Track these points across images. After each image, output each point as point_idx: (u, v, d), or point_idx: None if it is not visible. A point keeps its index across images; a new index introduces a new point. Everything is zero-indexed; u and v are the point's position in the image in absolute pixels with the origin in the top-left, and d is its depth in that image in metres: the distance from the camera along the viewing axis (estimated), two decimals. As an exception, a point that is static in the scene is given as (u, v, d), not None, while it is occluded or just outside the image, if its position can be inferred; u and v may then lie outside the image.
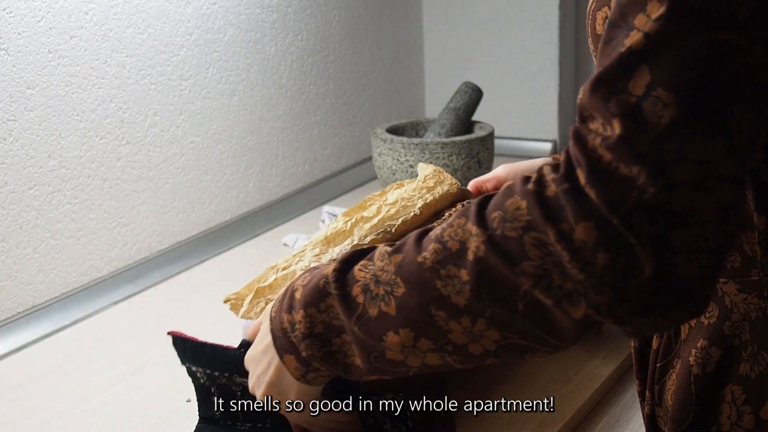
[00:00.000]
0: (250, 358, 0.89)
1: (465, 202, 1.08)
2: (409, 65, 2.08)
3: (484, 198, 0.70)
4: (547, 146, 2.04)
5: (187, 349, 0.97)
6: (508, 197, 0.68)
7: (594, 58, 0.91)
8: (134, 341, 1.29)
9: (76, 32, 1.35)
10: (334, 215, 1.59)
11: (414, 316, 0.72)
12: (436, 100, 2.13)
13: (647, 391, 0.96)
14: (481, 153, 1.64)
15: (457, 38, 2.09)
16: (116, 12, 1.41)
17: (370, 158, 1.92)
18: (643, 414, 0.99)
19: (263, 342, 0.86)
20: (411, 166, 1.60)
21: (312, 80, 1.80)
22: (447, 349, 0.73)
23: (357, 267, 0.77)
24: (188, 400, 1.13)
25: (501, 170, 1.17)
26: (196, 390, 0.97)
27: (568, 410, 1.05)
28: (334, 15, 1.84)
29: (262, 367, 0.87)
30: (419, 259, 0.71)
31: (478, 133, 1.68)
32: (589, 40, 0.91)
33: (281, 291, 0.86)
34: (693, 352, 0.87)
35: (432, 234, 0.72)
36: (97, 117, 1.40)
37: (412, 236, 0.74)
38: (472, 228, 0.69)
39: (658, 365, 0.93)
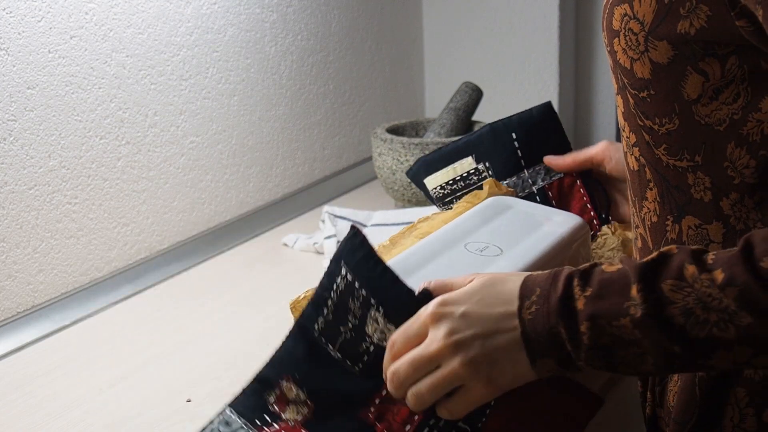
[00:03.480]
0: (463, 316, 0.82)
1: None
2: (409, 65, 2.08)
3: None
4: (547, 146, 2.04)
5: (361, 251, 0.88)
6: None
7: (607, 53, 0.90)
8: (134, 341, 1.29)
9: (76, 32, 1.35)
10: (334, 215, 1.59)
11: (761, 341, 0.74)
12: (436, 100, 2.13)
13: (648, 393, 0.96)
14: (481, 153, 1.64)
15: (457, 38, 2.09)
16: (116, 12, 1.41)
17: (370, 158, 1.92)
18: (644, 415, 0.99)
19: (501, 321, 0.81)
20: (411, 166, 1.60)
21: (312, 80, 1.80)
22: None
23: (666, 287, 0.76)
24: (188, 400, 1.13)
25: (601, 149, 1.19)
26: (317, 291, 0.90)
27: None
28: (334, 15, 1.84)
29: (481, 333, 0.81)
30: None
31: (478, 133, 1.68)
32: (604, 34, 0.90)
33: (529, 284, 0.82)
34: None
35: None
36: (97, 117, 1.40)
37: (739, 268, 0.74)
38: None
39: None
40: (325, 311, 0.89)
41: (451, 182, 1.25)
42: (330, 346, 0.89)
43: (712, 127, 0.84)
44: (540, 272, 0.83)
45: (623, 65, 0.87)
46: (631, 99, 0.89)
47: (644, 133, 0.89)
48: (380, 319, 0.86)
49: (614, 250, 1.20)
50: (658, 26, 0.82)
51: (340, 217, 1.59)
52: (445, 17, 2.09)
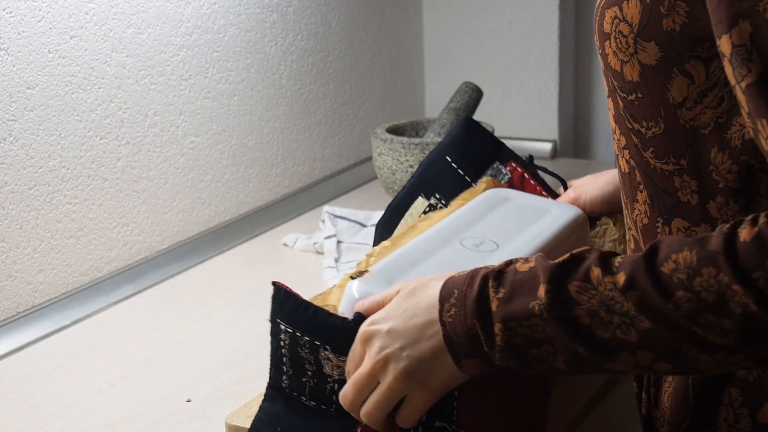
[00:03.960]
0: (389, 332, 0.86)
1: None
2: (409, 65, 2.08)
3: (729, 244, 0.72)
4: (547, 146, 2.04)
5: (288, 303, 0.92)
6: (763, 254, 0.70)
7: (599, 56, 0.91)
8: (134, 341, 1.29)
9: (76, 32, 1.35)
10: (334, 215, 1.59)
11: (660, 346, 0.75)
12: (436, 100, 2.13)
13: (643, 394, 0.97)
14: (481, 153, 1.63)
15: (457, 38, 2.09)
16: (116, 12, 1.41)
17: (370, 158, 1.92)
18: (640, 416, 0.99)
19: (424, 329, 0.84)
20: (411, 166, 1.60)
21: (312, 80, 1.80)
22: (683, 370, 0.77)
23: (572, 288, 0.78)
24: (188, 400, 1.13)
25: (571, 195, 1.21)
26: (271, 353, 0.94)
27: (567, 411, 1.05)
28: (334, 15, 1.84)
29: (407, 344, 0.84)
30: (669, 306, 0.73)
31: (478, 133, 1.67)
32: (596, 36, 0.91)
33: (449, 286, 0.84)
34: None
35: (673, 278, 0.74)
36: (97, 117, 1.40)
37: (640, 272, 0.75)
38: (734, 285, 0.71)
39: None
40: (285, 368, 0.93)
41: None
42: (303, 398, 0.93)
43: (697, 130, 0.85)
44: (460, 273, 0.85)
45: (614, 68, 0.88)
46: (620, 102, 0.90)
47: (633, 136, 0.90)
48: (331, 356, 0.90)
49: (615, 241, 1.21)
50: (645, 27, 0.83)
51: (340, 217, 1.59)
52: (445, 17, 2.09)
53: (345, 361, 0.89)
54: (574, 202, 1.20)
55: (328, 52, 1.84)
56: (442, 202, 1.22)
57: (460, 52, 2.09)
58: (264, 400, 0.95)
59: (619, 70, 0.87)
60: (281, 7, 1.71)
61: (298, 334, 0.90)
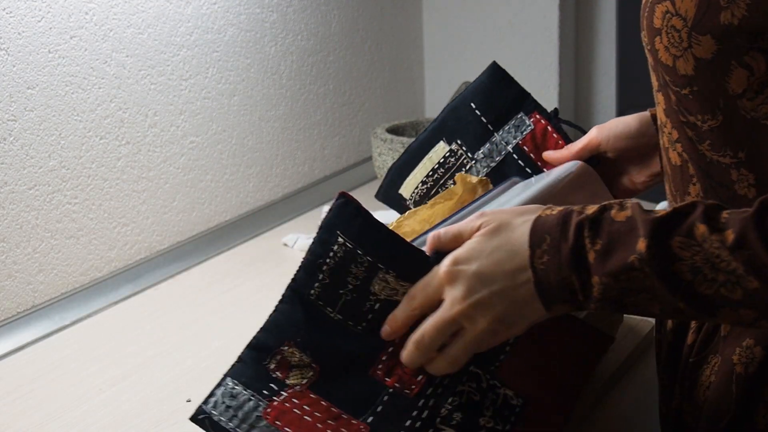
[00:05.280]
0: (476, 275, 0.83)
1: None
2: (409, 65, 2.08)
3: None
4: (547, 146, 2.04)
5: (357, 219, 0.87)
6: None
7: (648, 52, 0.90)
8: (134, 341, 1.29)
9: (76, 32, 1.35)
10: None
11: (765, 305, 0.75)
12: (436, 100, 2.13)
13: (676, 386, 0.96)
14: (481, 153, 1.64)
15: (457, 38, 2.09)
16: (116, 12, 1.41)
17: (370, 158, 1.92)
18: (661, 409, 0.98)
19: (515, 274, 0.82)
20: (411, 166, 1.60)
21: (312, 80, 1.80)
22: None
23: (674, 244, 0.77)
24: (188, 401, 1.13)
25: (593, 137, 1.17)
26: (308, 258, 0.88)
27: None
28: (334, 15, 1.84)
29: (498, 290, 0.82)
30: None
31: (478, 133, 1.68)
32: (643, 33, 0.90)
33: (538, 230, 0.82)
34: (737, 351, 0.88)
35: None
36: (97, 117, 1.40)
37: (750, 231, 0.74)
38: None
39: (690, 360, 0.93)
40: (320, 276, 0.88)
41: (431, 173, 1.24)
42: (329, 309, 0.88)
43: (758, 121, 0.84)
44: (547, 213, 0.83)
45: (665, 63, 0.87)
46: (672, 96, 0.89)
47: (687, 129, 0.89)
48: (391, 279, 0.87)
49: None
50: (700, 21, 0.82)
51: (340, 217, 1.59)
52: (445, 17, 2.09)
53: (404, 286, 0.87)
54: (595, 140, 1.17)
55: (328, 52, 1.84)
56: (463, 148, 1.21)
57: (460, 52, 2.09)
58: (281, 302, 0.90)
59: (671, 65, 0.86)
60: (281, 7, 1.71)
61: (359, 252, 0.86)
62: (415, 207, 1.24)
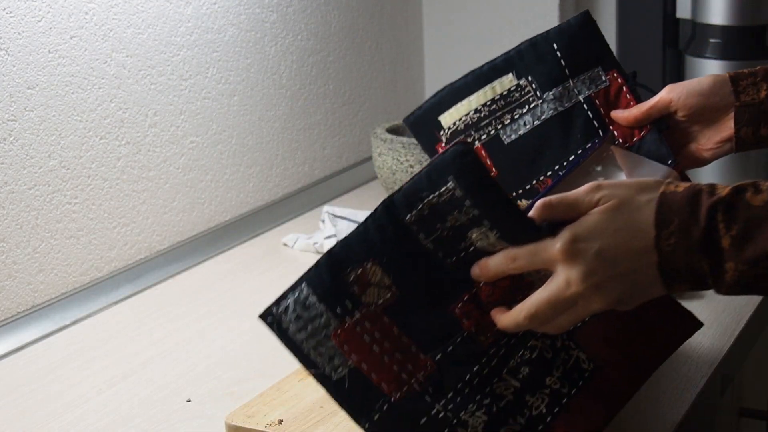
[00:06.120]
0: (598, 255, 0.79)
1: None
2: (409, 65, 2.08)
3: None
4: (547, 146, 2.04)
5: (475, 170, 0.82)
6: None
7: None
8: (134, 341, 1.29)
9: (76, 32, 1.35)
10: (334, 215, 1.59)
11: None
12: (436, 100, 2.12)
13: None
14: (481, 153, 1.63)
15: (457, 38, 2.09)
16: (116, 12, 1.41)
17: (370, 158, 1.92)
18: None
19: (639, 257, 0.79)
20: (411, 166, 1.60)
21: (312, 80, 1.80)
22: None
23: None
24: (188, 401, 1.13)
25: (665, 93, 1.14)
26: (412, 185, 0.84)
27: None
28: (334, 15, 1.84)
29: (620, 273, 0.79)
30: None
31: (478, 133, 1.68)
32: None
33: (665, 211, 0.79)
34: None
35: None
36: (97, 117, 1.40)
37: None
38: None
39: None
40: (420, 207, 0.84)
41: (489, 103, 1.20)
42: (422, 235, 0.85)
43: None
44: (672, 189, 0.81)
45: None
46: None
47: None
48: (490, 236, 0.83)
49: None
50: None
51: (340, 217, 1.59)
52: (445, 17, 2.09)
53: (504, 245, 0.83)
54: (666, 97, 1.14)
55: (328, 52, 1.84)
56: (533, 86, 1.18)
57: (460, 52, 2.09)
58: (372, 219, 0.85)
59: None
60: (281, 7, 1.71)
61: (467, 203, 0.82)
62: (451, 139, 1.20)
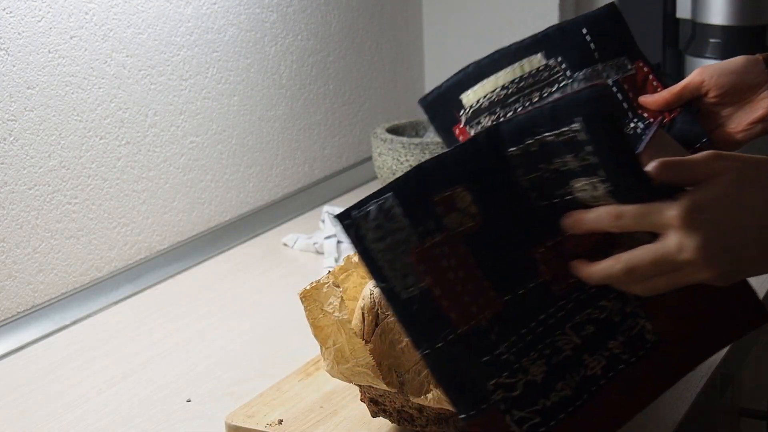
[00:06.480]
0: (716, 226, 0.77)
1: None
2: (409, 65, 2.08)
3: None
4: (547, 146, 2.04)
5: (609, 118, 0.77)
6: None
7: None
8: (134, 341, 1.29)
9: (76, 32, 1.35)
10: (334, 215, 1.59)
11: None
12: (436, 100, 2.12)
13: None
14: (481, 153, 1.63)
15: (457, 38, 2.09)
16: (116, 12, 1.41)
17: (370, 158, 1.92)
18: None
19: (759, 232, 0.78)
20: (411, 166, 1.60)
21: (312, 80, 1.80)
22: None
23: None
24: (188, 401, 1.13)
25: (696, 75, 1.12)
26: (524, 119, 0.80)
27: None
28: (334, 15, 1.84)
29: (736, 247, 0.78)
30: None
31: (478, 133, 1.67)
32: None
33: None
34: None
35: None
36: (97, 117, 1.40)
37: None
38: None
39: None
40: (529, 142, 0.80)
41: (517, 80, 1.18)
42: (520, 171, 0.81)
43: None
44: None
45: None
46: None
47: None
48: (600, 189, 0.79)
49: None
50: None
51: (340, 217, 1.59)
52: (445, 17, 2.09)
53: (609, 202, 0.80)
54: (698, 77, 1.13)
55: (328, 52, 1.84)
56: (562, 66, 1.17)
57: (460, 52, 2.09)
58: (473, 142, 0.81)
59: None
60: (281, 7, 1.71)
61: (588, 149, 0.78)
62: (473, 119, 1.19)
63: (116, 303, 1.41)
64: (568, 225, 0.82)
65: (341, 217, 0.80)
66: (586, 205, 0.81)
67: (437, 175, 0.81)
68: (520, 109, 1.16)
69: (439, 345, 0.81)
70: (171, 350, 1.26)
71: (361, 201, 0.80)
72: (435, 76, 2.13)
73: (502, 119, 1.08)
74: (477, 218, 0.81)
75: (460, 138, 1.20)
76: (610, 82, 1.17)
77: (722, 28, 1.72)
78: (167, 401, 1.13)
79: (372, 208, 0.79)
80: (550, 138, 0.79)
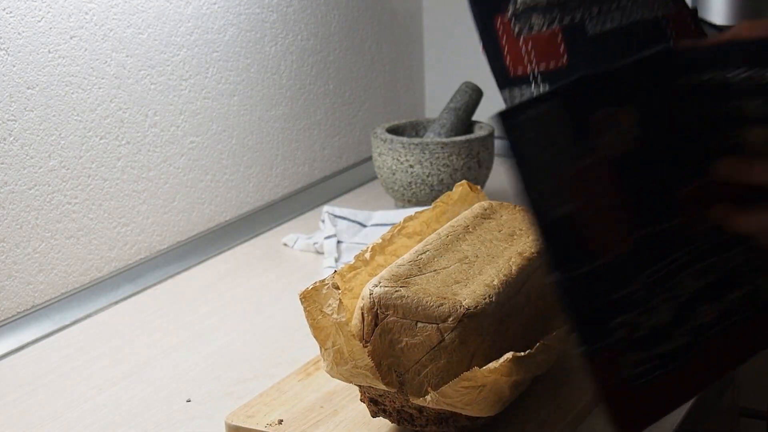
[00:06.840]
0: None
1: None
2: (409, 65, 2.08)
3: None
4: (547, 146, 2.04)
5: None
6: None
7: None
8: (134, 341, 1.29)
9: (76, 32, 1.35)
10: (334, 215, 1.59)
11: None
12: (436, 100, 2.12)
13: None
14: (481, 153, 1.64)
15: (457, 38, 2.09)
16: (116, 12, 1.41)
17: (370, 158, 1.92)
18: None
19: None
20: (411, 166, 1.60)
21: (312, 80, 1.80)
22: None
23: None
24: (188, 401, 1.13)
25: (744, 27, 1.07)
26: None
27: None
28: (334, 15, 1.84)
29: None
30: None
31: (478, 133, 1.68)
32: None
33: None
34: None
35: None
36: (97, 117, 1.40)
37: None
38: None
39: None
40: (709, 77, 0.76)
41: None
42: (691, 104, 0.76)
43: None
44: None
45: None
46: None
47: None
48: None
49: None
50: None
51: (340, 217, 1.59)
52: (445, 17, 2.09)
53: None
54: (746, 31, 1.09)
55: (328, 52, 1.84)
56: None
57: (460, 52, 2.09)
58: (649, 62, 0.75)
59: None
60: (281, 7, 1.71)
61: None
62: (524, 13, 1.11)
63: (116, 303, 1.41)
64: (726, 170, 0.77)
65: (504, 116, 0.72)
66: (749, 155, 0.76)
67: (610, 88, 0.75)
68: (579, 18, 1.07)
69: (576, 274, 0.76)
70: (171, 350, 1.26)
71: (525, 102, 0.74)
72: (435, 76, 2.13)
73: (556, 24, 1.03)
74: (636, 142, 0.75)
75: (500, 31, 1.12)
76: (659, 15, 1.09)
77: (722, 28, 1.72)
78: (167, 401, 1.13)
79: (539, 112, 0.73)
80: (742, 77, 0.74)
